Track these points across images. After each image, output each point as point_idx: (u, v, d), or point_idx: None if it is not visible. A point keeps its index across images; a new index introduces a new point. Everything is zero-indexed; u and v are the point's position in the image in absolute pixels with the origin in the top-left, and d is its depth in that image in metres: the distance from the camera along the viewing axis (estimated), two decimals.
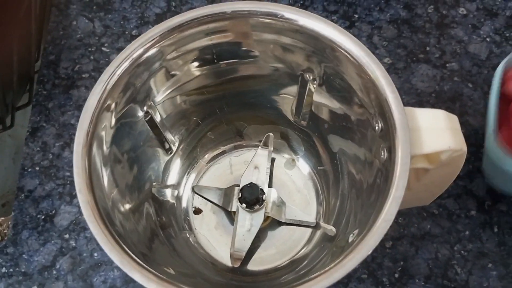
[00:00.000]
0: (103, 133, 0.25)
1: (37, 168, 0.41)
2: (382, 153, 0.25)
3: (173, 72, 0.30)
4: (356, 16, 0.46)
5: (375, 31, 0.45)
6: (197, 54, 0.30)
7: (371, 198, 0.25)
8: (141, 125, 0.30)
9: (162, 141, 0.32)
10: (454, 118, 0.25)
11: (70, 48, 0.46)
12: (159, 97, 0.31)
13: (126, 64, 0.25)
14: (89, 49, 0.46)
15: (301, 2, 0.46)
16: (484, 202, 0.38)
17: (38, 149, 0.41)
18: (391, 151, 0.23)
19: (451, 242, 0.37)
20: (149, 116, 0.30)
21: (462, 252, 0.36)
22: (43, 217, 0.39)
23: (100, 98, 0.25)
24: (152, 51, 0.27)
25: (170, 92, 0.31)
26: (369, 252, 0.22)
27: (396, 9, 0.46)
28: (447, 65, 0.43)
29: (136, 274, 0.21)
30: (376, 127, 0.25)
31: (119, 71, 0.26)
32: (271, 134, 0.35)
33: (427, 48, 0.44)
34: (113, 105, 0.26)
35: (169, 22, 0.27)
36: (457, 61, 0.43)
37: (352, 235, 0.25)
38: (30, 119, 0.43)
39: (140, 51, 0.27)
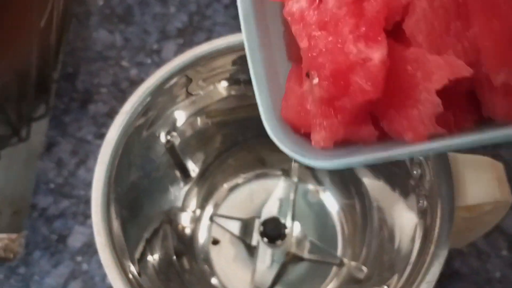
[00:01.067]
0: (123, 170, 0.24)
1: (52, 186, 0.40)
2: (421, 202, 0.23)
3: (196, 97, 0.29)
4: None
5: None
6: (224, 78, 0.29)
7: (405, 247, 0.24)
8: (162, 153, 0.29)
9: (182, 169, 0.31)
10: (500, 167, 0.23)
11: (89, 60, 0.45)
12: (181, 123, 0.29)
13: (149, 94, 0.24)
14: (108, 62, 0.44)
15: None
16: None
17: (53, 165, 0.40)
18: (431, 202, 0.21)
19: (480, 283, 0.35)
20: (171, 144, 0.29)
21: None
22: (56, 237, 0.38)
23: (122, 130, 0.23)
24: (177, 79, 0.26)
25: (193, 116, 0.30)
26: None
27: None
28: None
29: None
30: (415, 172, 0.24)
31: (143, 101, 0.24)
32: (296, 163, 0.33)
33: None
34: (135, 135, 0.25)
35: (197, 50, 0.25)
36: None
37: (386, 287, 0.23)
38: (47, 133, 0.42)
39: (165, 78, 0.25)
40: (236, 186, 0.35)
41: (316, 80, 0.17)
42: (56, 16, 0.40)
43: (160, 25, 0.46)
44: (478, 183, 0.22)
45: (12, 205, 0.50)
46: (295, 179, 0.33)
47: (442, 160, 0.22)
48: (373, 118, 0.17)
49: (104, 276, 0.36)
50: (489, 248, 0.36)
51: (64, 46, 0.45)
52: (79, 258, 0.37)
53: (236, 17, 0.46)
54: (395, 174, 0.27)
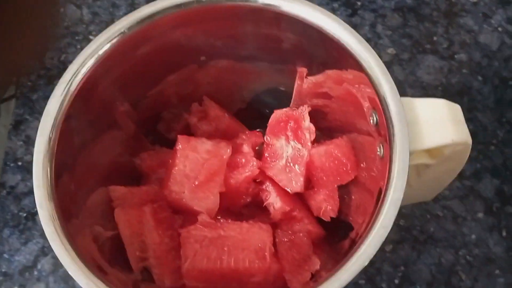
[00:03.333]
0: (66, 137, 0.23)
1: (20, 163, 0.39)
2: (379, 149, 0.23)
3: (146, 66, 0.28)
4: (359, 3, 0.43)
5: (379, 20, 0.42)
6: (173, 46, 0.27)
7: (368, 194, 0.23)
8: (110, 123, 0.28)
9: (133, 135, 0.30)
10: (457, 108, 0.22)
11: (57, 36, 0.44)
12: (131, 93, 0.28)
13: (91, 62, 0.23)
14: (76, 37, 0.43)
15: None
16: (493, 204, 0.35)
17: (21, 143, 0.40)
18: (388, 147, 0.21)
19: (455, 247, 0.34)
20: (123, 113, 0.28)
21: (468, 257, 0.34)
22: (24, 215, 0.37)
23: (63, 101, 0.22)
24: (120, 45, 0.25)
25: (146, 87, 0.29)
26: (366, 263, 0.20)
27: None
28: (455, 56, 0.40)
29: None
30: (371, 120, 0.23)
31: (84, 70, 0.23)
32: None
33: (434, 38, 0.41)
34: (79, 103, 0.24)
35: (139, 12, 0.24)
36: (466, 52, 0.40)
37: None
38: (14, 111, 0.41)
39: (107, 46, 0.24)
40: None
41: None
42: None
43: None
44: (435, 125, 0.21)
45: None
46: None
47: (396, 105, 0.21)
48: None
49: None
50: (465, 211, 0.35)
51: None
52: None
53: None
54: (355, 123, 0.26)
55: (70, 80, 0.23)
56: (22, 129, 0.40)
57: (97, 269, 0.20)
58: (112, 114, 0.26)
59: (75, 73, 0.23)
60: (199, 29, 0.25)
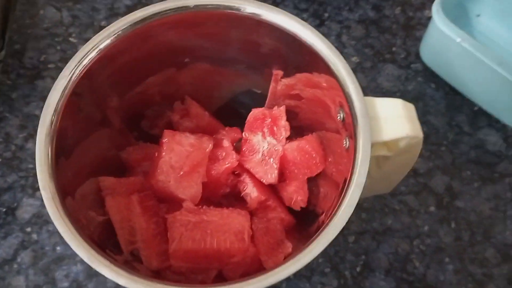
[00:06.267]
0: (66, 126, 0.25)
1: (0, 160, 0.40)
2: (345, 142, 0.26)
3: (135, 65, 0.30)
4: (326, 15, 0.46)
5: (344, 30, 0.46)
6: (161, 48, 0.30)
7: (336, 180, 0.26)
8: (101, 118, 0.30)
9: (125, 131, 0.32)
10: (411, 107, 0.26)
11: (37, 37, 0.45)
12: (119, 90, 0.30)
13: (86, 60, 0.25)
14: (56, 39, 0.45)
15: (272, 0, 0.47)
16: (443, 199, 0.39)
17: (1, 140, 0.40)
18: (353, 139, 0.24)
19: (411, 237, 0.38)
20: (112, 109, 0.30)
21: (421, 246, 0.38)
22: (4, 209, 0.38)
23: (63, 92, 0.24)
24: (117, 43, 0.27)
25: (133, 85, 0.31)
26: (334, 236, 0.22)
27: (365, 9, 0.47)
28: (412, 65, 0.44)
29: (104, 269, 0.21)
30: (338, 116, 0.26)
31: (80, 67, 0.25)
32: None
33: (393, 49, 0.45)
34: (75, 98, 0.26)
35: (133, 15, 0.27)
36: (421, 62, 0.44)
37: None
38: None
39: (106, 42, 0.26)
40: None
41: None
42: None
43: (109, 2, 0.46)
44: (392, 121, 0.24)
45: None
46: None
47: (360, 102, 0.24)
48: None
49: (54, 245, 0.37)
50: (419, 205, 0.39)
51: (11, 24, 0.45)
52: (28, 229, 0.37)
53: None
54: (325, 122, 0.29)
55: (69, 75, 0.24)
56: (2, 126, 0.41)
57: (94, 246, 0.22)
58: (103, 110, 0.28)
59: (73, 69, 0.25)
60: (186, 33, 0.28)
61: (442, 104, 0.43)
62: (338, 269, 0.37)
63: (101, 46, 0.26)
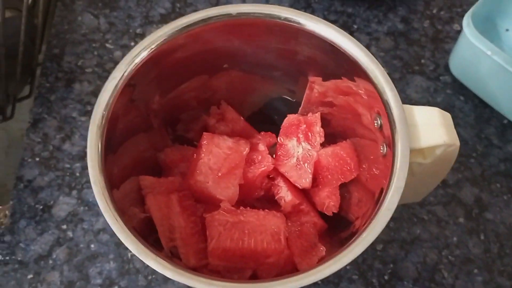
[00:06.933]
0: (114, 125, 0.26)
1: (37, 159, 0.41)
2: (382, 149, 0.26)
3: (178, 69, 0.31)
4: (355, 26, 0.47)
5: (373, 42, 0.46)
6: (203, 53, 0.31)
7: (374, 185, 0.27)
8: (143, 119, 0.31)
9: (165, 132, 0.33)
10: (448, 116, 0.26)
11: (74, 42, 0.46)
12: (164, 93, 0.32)
13: (134, 64, 0.26)
14: (93, 44, 0.46)
15: (303, 11, 0.48)
16: (472, 210, 0.39)
17: (39, 140, 0.42)
18: (391, 145, 0.24)
19: (439, 247, 0.38)
20: (154, 111, 0.31)
21: (449, 257, 0.38)
22: (41, 207, 0.39)
23: (112, 93, 0.25)
24: (160, 49, 0.28)
25: (173, 88, 0.32)
26: (373, 238, 0.23)
27: (393, 22, 0.48)
28: (441, 77, 0.45)
29: (152, 261, 0.21)
30: (375, 123, 0.27)
31: (129, 69, 0.26)
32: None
33: (422, 61, 0.45)
34: (123, 99, 0.27)
35: (179, 21, 0.28)
36: (450, 75, 0.44)
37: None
38: (32, 110, 0.43)
39: (152, 47, 0.28)
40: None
41: None
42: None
43: (144, 11, 0.48)
44: (429, 128, 0.25)
45: None
46: None
47: (398, 109, 0.25)
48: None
49: (89, 243, 0.38)
50: (447, 216, 0.39)
51: (50, 29, 0.47)
52: (64, 226, 0.38)
53: (216, 4, 0.49)
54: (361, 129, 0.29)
55: (119, 77, 0.26)
56: (40, 127, 0.42)
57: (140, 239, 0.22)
58: (146, 111, 0.29)
59: (122, 73, 0.26)
60: (227, 39, 0.29)
61: (471, 116, 0.43)
62: (366, 277, 0.37)
63: (151, 49, 0.27)
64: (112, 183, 0.24)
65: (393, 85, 0.25)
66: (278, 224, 0.27)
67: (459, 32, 0.47)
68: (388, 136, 0.25)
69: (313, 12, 0.48)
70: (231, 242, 0.25)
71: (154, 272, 0.36)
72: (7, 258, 0.37)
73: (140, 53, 0.26)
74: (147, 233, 0.26)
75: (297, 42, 0.28)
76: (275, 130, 0.34)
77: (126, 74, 0.26)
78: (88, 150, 0.24)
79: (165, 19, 0.48)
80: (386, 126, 0.25)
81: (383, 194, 0.23)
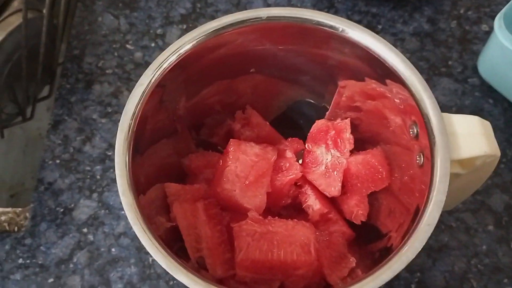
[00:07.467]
0: (141, 132, 0.25)
1: (58, 161, 0.41)
2: (419, 159, 0.25)
3: (205, 73, 0.30)
4: (380, 27, 0.46)
5: (398, 43, 0.45)
6: (231, 57, 0.30)
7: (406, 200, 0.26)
8: (169, 125, 0.30)
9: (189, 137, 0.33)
10: (488, 125, 0.25)
11: (95, 43, 0.46)
12: (190, 97, 0.31)
13: (162, 69, 0.26)
14: (114, 45, 0.46)
15: (326, 11, 0.47)
16: (502, 218, 0.38)
17: (60, 142, 0.42)
18: (429, 156, 0.23)
19: (467, 256, 0.37)
20: (180, 117, 0.30)
21: (479, 266, 0.36)
22: (62, 210, 0.39)
23: (140, 99, 0.25)
24: (188, 54, 0.27)
25: (199, 93, 0.31)
26: (414, 255, 0.22)
27: (419, 22, 0.46)
28: (469, 80, 0.43)
29: (182, 276, 0.21)
30: (411, 132, 0.26)
31: (156, 76, 0.26)
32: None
33: (449, 62, 0.44)
34: (151, 105, 0.26)
35: (209, 25, 0.27)
36: (478, 77, 0.43)
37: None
38: (53, 112, 0.43)
39: (181, 52, 0.27)
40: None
41: None
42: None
43: (164, 11, 0.47)
44: (469, 138, 0.24)
45: (10, 190, 0.51)
46: None
47: (437, 118, 0.24)
48: None
49: (109, 247, 0.37)
50: (476, 224, 0.38)
51: (70, 30, 0.46)
52: (85, 230, 0.38)
53: (238, 4, 0.48)
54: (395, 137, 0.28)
55: (147, 84, 0.25)
56: (61, 129, 0.42)
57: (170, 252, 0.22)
58: (172, 116, 0.29)
59: (150, 79, 0.25)
60: (256, 43, 0.28)
61: (501, 120, 0.41)
62: (392, 286, 0.36)
63: (179, 54, 0.27)
64: (138, 192, 0.23)
65: (431, 93, 0.24)
66: (308, 235, 0.26)
67: (487, 32, 0.45)
68: (426, 146, 0.24)
69: (336, 12, 0.47)
70: (260, 253, 0.25)
71: (175, 277, 0.35)
72: (28, 261, 0.37)
73: (168, 58, 0.26)
74: (173, 242, 0.25)
75: (329, 47, 0.27)
76: (299, 134, 0.33)
77: (153, 80, 0.25)
78: (116, 159, 0.23)
79: (185, 19, 0.47)
80: (424, 135, 0.24)
81: (422, 208, 0.22)
